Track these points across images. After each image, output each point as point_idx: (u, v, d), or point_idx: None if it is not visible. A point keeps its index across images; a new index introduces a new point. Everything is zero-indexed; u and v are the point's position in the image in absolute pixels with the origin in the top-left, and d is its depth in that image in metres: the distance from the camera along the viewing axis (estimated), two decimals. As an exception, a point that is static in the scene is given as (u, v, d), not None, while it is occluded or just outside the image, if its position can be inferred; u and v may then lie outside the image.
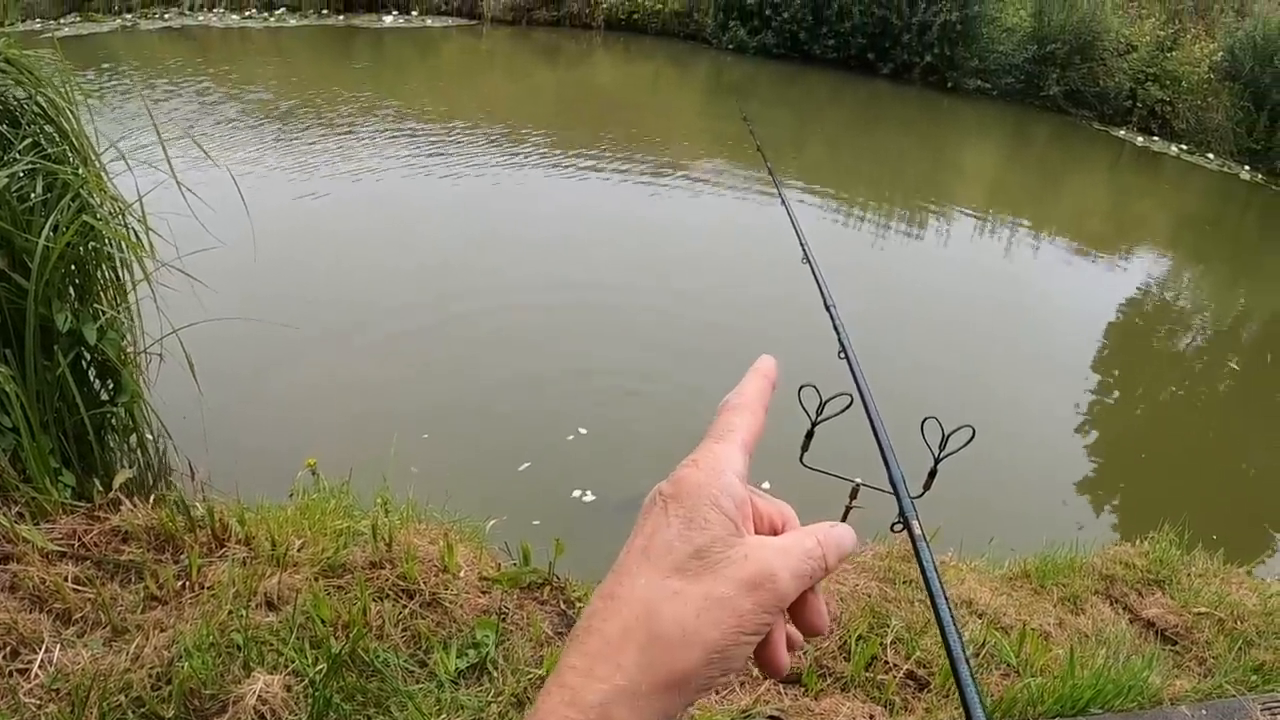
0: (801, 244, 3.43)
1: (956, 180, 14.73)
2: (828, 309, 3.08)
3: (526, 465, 5.72)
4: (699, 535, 0.66)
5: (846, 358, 2.81)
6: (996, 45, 18.40)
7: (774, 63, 19.13)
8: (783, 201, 3.86)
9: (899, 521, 2.11)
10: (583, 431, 6.13)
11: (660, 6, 20.20)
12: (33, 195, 3.88)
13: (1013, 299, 10.08)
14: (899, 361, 7.75)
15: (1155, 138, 17.78)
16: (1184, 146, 17.47)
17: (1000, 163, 16.58)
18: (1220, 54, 17.69)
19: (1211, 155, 17.25)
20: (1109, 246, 12.31)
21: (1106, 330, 9.61)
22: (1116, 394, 8.22)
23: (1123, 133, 17.86)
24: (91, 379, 4.31)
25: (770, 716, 2.74)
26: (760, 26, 19.16)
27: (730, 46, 19.47)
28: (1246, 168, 16.99)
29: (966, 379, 7.75)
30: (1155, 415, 8.23)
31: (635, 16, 20.33)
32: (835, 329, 2.94)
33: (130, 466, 4.22)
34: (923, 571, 1.88)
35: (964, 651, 1.59)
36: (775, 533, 0.74)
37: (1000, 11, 18.62)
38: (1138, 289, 11.00)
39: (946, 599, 1.73)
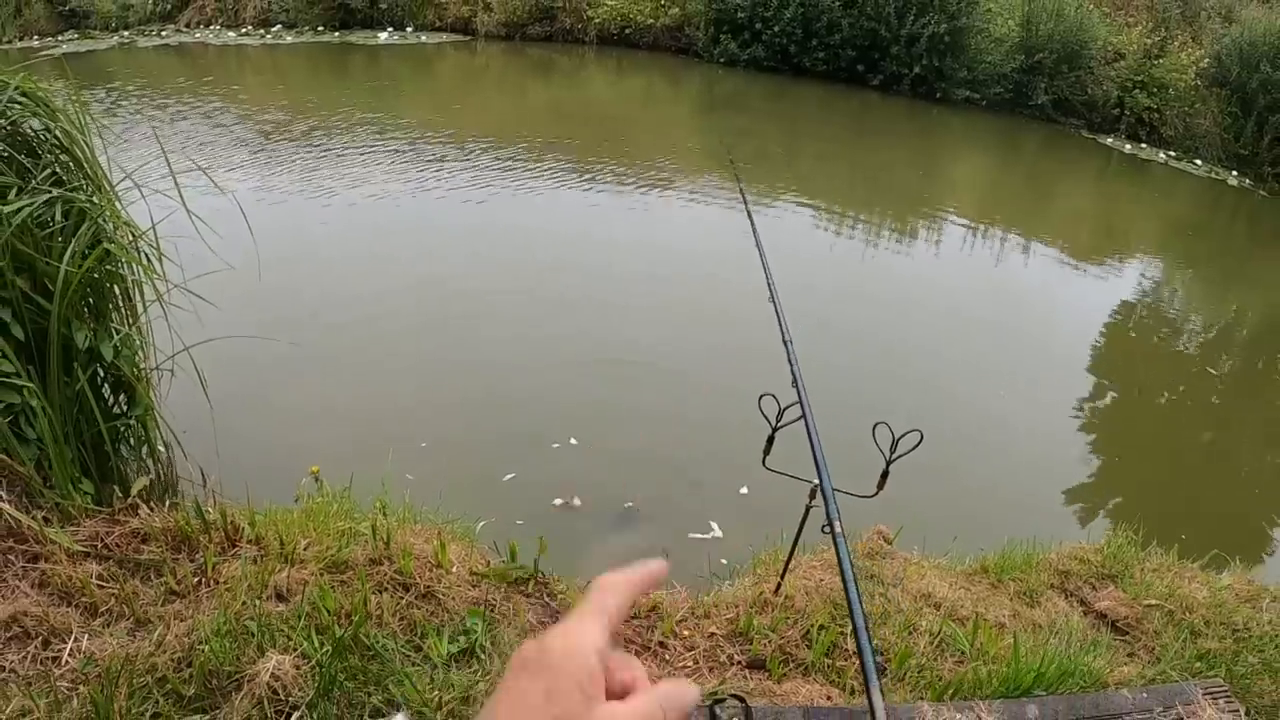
0: (769, 284, 3.69)
1: (947, 190, 14.84)
2: (785, 344, 3.36)
3: (512, 475, 5.94)
4: (556, 707, 0.75)
5: (797, 388, 3.09)
6: (985, 56, 18.55)
7: (765, 75, 19.30)
8: (757, 245, 4.13)
9: (826, 525, 2.41)
10: (573, 442, 6.37)
11: (652, 21, 20.38)
12: (52, 222, 4.13)
13: (1002, 306, 10.25)
14: (888, 369, 7.97)
15: (1143, 145, 17.98)
16: (1172, 153, 17.67)
17: (990, 172, 16.68)
18: (1207, 61, 17.86)
19: (1199, 161, 17.45)
20: (1098, 253, 12.46)
21: (1095, 337, 9.79)
22: (1097, 399, 8.38)
23: (1111, 140, 18.07)
24: (106, 394, 4.56)
25: (733, 696, 2.97)
26: (751, 40, 19.35)
27: (722, 60, 19.69)
28: (1234, 173, 17.19)
29: (953, 386, 7.91)
30: (1135, 420, 8.38)
31: (627, 31, 20.48)
32: (789, 361, 3.22)
33: (146, 475, 4.46)
34: (840, 562, 2.19)
35: (865, 623, 1.88)
36: (627, 693, 0.82)
37: (988, 22, 18.75)
38: (1126, 296, 11.19)
39: (856, 584, 2.04)
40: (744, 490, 5.87)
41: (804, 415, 2.68)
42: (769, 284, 3.45)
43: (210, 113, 14.13)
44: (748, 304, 8.70)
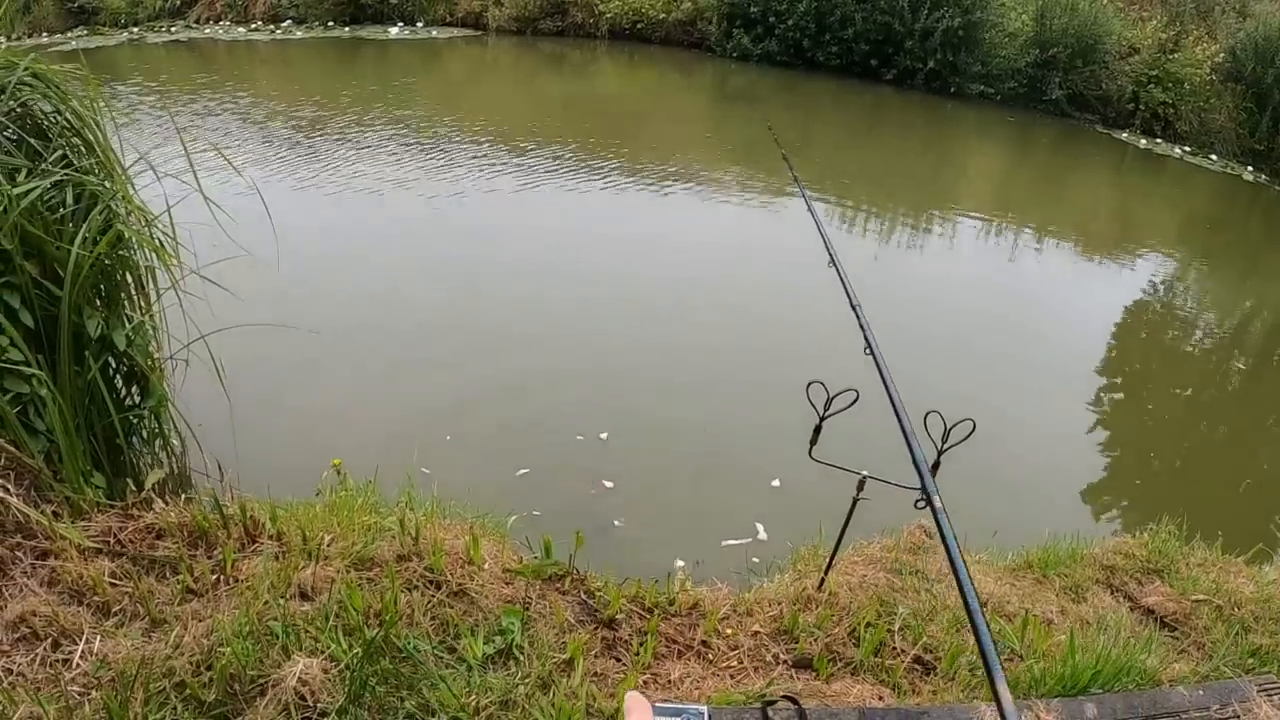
0: (828, 248, 3.55)
1: (961, 185, 14.77)
2: (853, 308, 3.21)
3: (525, 471, 5.80)
4: None
5: (872, 353, 2.94)
6: (999, 50, 18.44)
7: (778, 70, 19.22)
8: (809, 208, 4.00)
9: (922, 498, 2.24)
10: (603, 436, 6.23)
11: (664, 16, 20.28)
12: (63, 207, 4.00)
13: (1018, 301, 10.13)
14: (905, 364, 7.79)
15: (1158, 140, 17.83)
16: (1187, 148, 17.52)
17: (1004, 167, 16.57)
18: (1222, 55, 17.73)
19: (1215, 156, 17.32)
20: (1114, 249, 12.35)
21: (1112, 331, 9.66)
22: (1122, 394, 8.27)
23: (1126, 135, 17.92)
24: (119, 384, 4.43)
25: (785, 697, 2.84)
26: (764, 34, 19.28)
27: (734, 54, 19.61)
28: (1249, 168, 17.08)
29: (972, 381, 7.76)
30: (1162, 414, 8.25)
31: (639, 25, 20.40)
32: (861, 327, 3.07)
33: (160, 468, 4.33)
34: (943, 539, 2.00)
35: (979, 604, 1.71)
36: None
37: (1002, 16, 18.63)
38: (1143, 291, 11.04)
39: (965, 564, 1.86)
40: (775, 483, 5.74)
41: (886, 385, 2.51)
42: (829, 249, 3.29)
43: (241, 109, 14.05)
44: (773, 295, 8.69)
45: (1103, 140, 17.77)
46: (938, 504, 2.02)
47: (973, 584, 1.58)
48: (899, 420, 2.44)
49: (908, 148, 16.16)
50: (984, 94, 18.44)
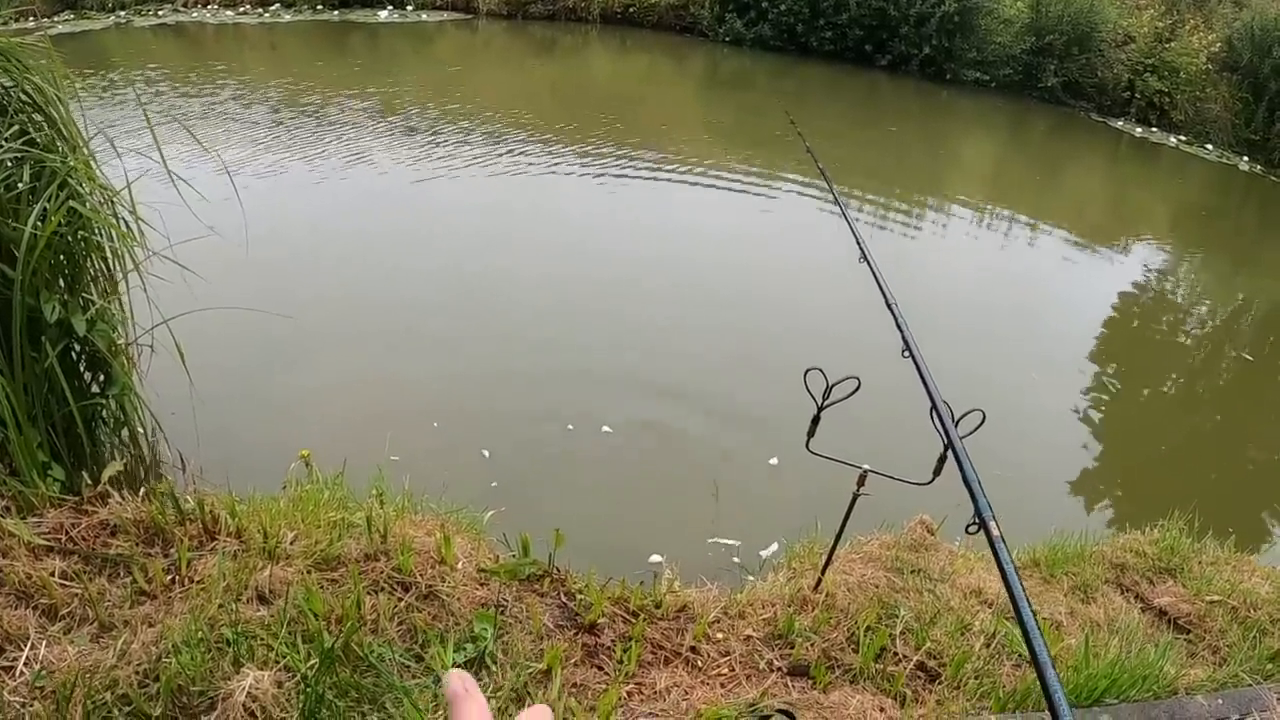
0: (859, 244, 3.35)
1: (955, 172, 14.67)
2: (889, 307, 2.99)
3: (488, 453, 5.63)
4: None
5: (911, 355, 2.70)
6: (994, 37, 18.34)
7: (771, 55, 19.07)
8: (836, 201, 3.80)
9: (974, 523, 1.98)
10: (607, 429, 6.03)
11: (656, -1, 20.13)
12: (20, 184, 3.80)
13: (1012, 291, 10.03)
14: (898, 355, 7.65)
15: (1154, 129, 17.76)
16: (1182, 137, 17.46)
17: (999, 155, 16.51)
18: (1218, 45, 17.74)
19: (1210, 146, 17.28)
20: (1108, 238, 12.26)
21: (1107, 321, 9.54)
22: (1120, 385, 8.12)
23: (1121, 124, 17.86)
24: (81, 371, 4.24)
25: (780, 710, 2.65)
26: (757, 19, 19.12)
27: (727, 39, 19.45)
28: (1245, 158, 17.04)
29: (967, 372, 7.59)
30: (1160, 405, 8.13)
31: (631, 9, 20.23)
32: (899, 328, 2.84)
33: (121, 459, 4.14)
34: (1001, 571, 1.75)
35: (1048, 651, 1.47)
36: None
37: (998, 3, 18.52)
38: (1137, 280, 10.93)
39: (1027, 599, 1.61)
40: (773, 461, 5.57)
41: (932, 398, 2.29)
42: (860, 246, 3.11)
43: (230, 93, 13.89)
44: (776, 284, 8.52)
45: (1098, 128, 17.70)
46: (994, 531, 1.76)
47: (1041, 634, 1.36)
48: (945, 432, 2.21)
49: (902, 135, 16.00)
50: (979, 81, 18.33)
